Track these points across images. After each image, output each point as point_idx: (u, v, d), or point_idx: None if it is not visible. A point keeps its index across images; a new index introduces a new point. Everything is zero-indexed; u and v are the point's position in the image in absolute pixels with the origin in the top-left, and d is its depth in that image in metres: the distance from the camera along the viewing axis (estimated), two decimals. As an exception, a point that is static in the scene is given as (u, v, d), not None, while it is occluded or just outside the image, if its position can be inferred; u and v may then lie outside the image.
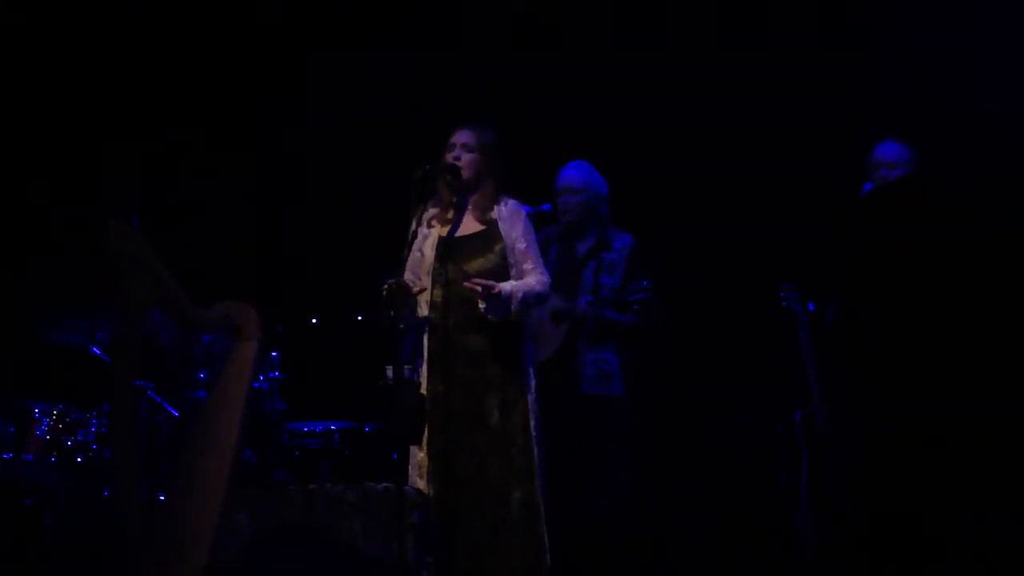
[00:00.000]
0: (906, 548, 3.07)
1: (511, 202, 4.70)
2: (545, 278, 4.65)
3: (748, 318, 5.96)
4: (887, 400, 3.12)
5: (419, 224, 4.53)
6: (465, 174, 4.62)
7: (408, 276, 4.56)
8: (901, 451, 3.08)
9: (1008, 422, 2.98)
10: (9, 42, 6.45)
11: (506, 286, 4.48)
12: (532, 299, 4.58)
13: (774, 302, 5.22)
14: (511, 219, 4.65)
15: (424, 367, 4.49)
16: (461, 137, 4.64)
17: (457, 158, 4.62)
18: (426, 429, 4.43)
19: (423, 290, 4.55)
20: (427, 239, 4.59)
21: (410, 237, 4.46)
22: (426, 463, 4.42)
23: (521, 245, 4.63)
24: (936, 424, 3.03)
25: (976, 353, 3.02)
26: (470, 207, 4.66)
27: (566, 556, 4.88)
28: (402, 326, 4.50)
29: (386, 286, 4.33)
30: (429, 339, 4.52)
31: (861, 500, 4.35)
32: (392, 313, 4.34)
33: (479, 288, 4.41)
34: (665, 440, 5.92)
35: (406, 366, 4.39)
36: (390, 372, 4.27)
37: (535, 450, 4.46)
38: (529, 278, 4.59)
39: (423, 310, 4.55)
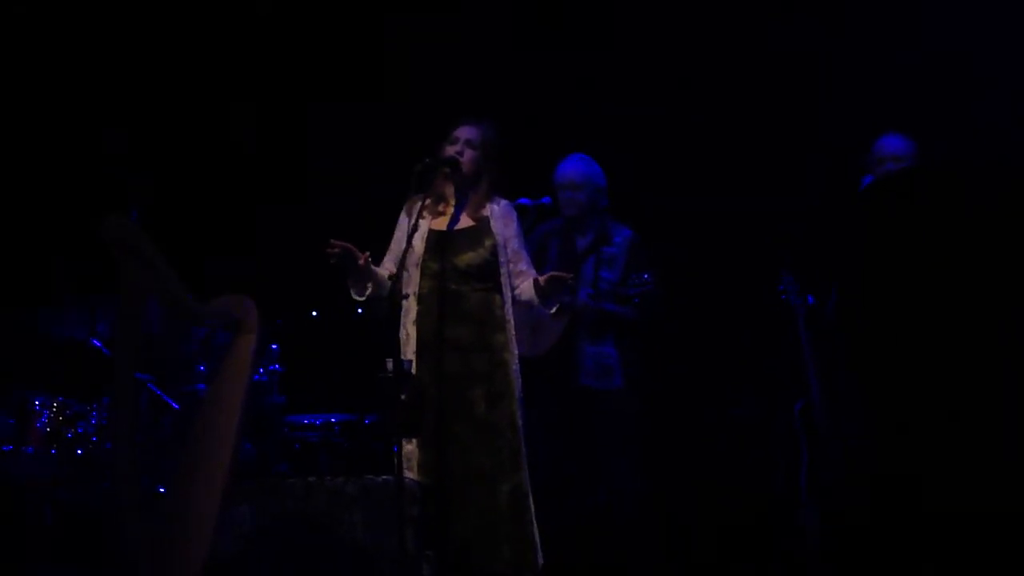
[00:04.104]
0: (907, 543, 3.07)
1: (503, 202, 4.73)
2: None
3: (747, 311, 5.96)
4: (889, 393, 3.11)
5: (415, 216, 4.52)
6: (464, 169, 4.63)
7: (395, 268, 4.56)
8: (902, 444, 3.08)
9: (1011, 414, 2.98)
10: (12, 35, 6.45)
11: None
12: None
13: (773, 295, 5.22)
14: (504, 219, 4.69)
15: (412, 359, 4.49)
16: (465, 132, 4.65)
17: (460, 152, 4.62)
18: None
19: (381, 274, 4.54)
20: (416, 232, 4.58)
21: (411, 229, 4.47)
22: (416, 454, 4.43)
23: (515, 244, 4.68)
24: (938, 417, 3.03)
25: (980, 346, 3.02)
26: (464, 202, 4.67)
27: (566, 548, 4.88)
28: (361, 297, 4.53)
29: (332, 249, 4.38)
30: (417, 331, 4.53)
31: (862, 493, 4.35)
32: (346, 279, 4.39)
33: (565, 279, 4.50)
34: (664, 433, 5.92)
35: (405, 358, 4.39)
36: (390, 364, 4.27)
37: (522, 443, 4.47)
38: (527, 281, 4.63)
39: (411, 305, 4.55)
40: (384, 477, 4.22)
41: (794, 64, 6.09)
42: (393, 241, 4.69)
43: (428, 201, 4.61)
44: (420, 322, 4.54)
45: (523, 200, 5.24)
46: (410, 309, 4.56)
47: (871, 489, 3.29)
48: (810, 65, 6.04)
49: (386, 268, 4.64)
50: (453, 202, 4.68)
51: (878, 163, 4.98)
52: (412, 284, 4.57)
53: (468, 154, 4.63)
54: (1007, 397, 2.98)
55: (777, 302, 5.20)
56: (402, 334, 4.56)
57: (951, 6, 5.81)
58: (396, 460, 4.44)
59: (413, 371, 4.43)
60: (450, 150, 4.62)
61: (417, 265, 4.58)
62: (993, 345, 3.00)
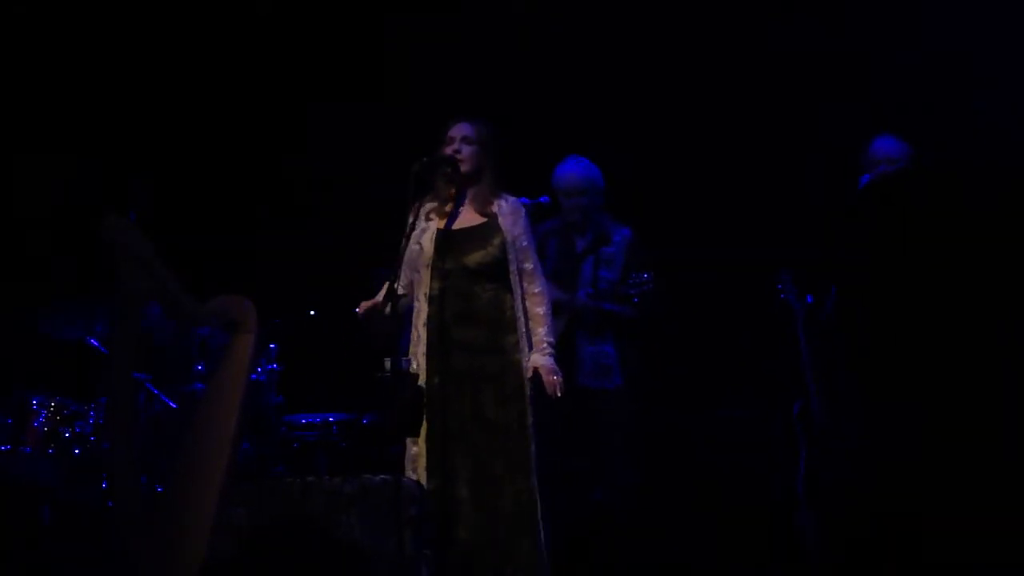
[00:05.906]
0: (906, 543, 3.07)
1: (512, 199, 4.71)
2: (542, 286, 4.66)
3: (746, 310, 5.96)
4: (889, 392, 3.11)
5: (416, 218, 4.52)
6: (464, 167, 4.62)
7: (404, 270, 4.55)
8: (902, 444, 3.08)
9: (1010, 414, 2.98)
10: (14, 34, 6.45)
11: (546, 343, 4.57)
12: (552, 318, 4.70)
13: (772, 294, 5.22)
14: (513, 216, 4.66)
15: (422, 360, 4.48)
16: (461, 130, 4.64)
17: (457, 151, 4.61)
18: (423, 422, 4.44)
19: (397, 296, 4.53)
20: (425, 232, 4.58)
21: (408, 230, 4.46)
22: (423, 456, 4.41)
23: (523, 243, 4.65)
24: (938, 416, 3.03)
25: (979, 346, 3.02)
26: (469, 200, 4.66)
27: (566, 548, 4.88)
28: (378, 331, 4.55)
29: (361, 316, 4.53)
30: (427, 332, 4.51)
31: (861, 493, 4.35)
32: (376, 329, 4.42)
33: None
34: (663, 432, 5.92)
35: (404, 358, 4.38)
36: (388, 364, 4.27)
37: (532, 444, 4.45)
38: (537, 304, 4.61)
39: (421, 306, 4.55)
40: (382, 477, 4.20)
41: (794, 64, 6.08)
42: (404, 244, 4.65)
43: (434, 203, 4.61)
44: (431, 323, 4.53)
45: (522, 199, 5.23)
46: (421, 310, 4.54)
47: (870, 489, 3.28)
48: (810, 65, 6.04)
49: (406, 277, 4.59)
50: (457, 201, 4.67)
51: (872, 165, 4.98)
52: (423, 285, 4.56)
53: (466, 151, 4.61)
54: (1007, 397, 2.98)
55: (776, 302, 5.20)
56: (412, 335, 4.56)
57: (951, 6, 5.81)
58: (401, 459, 4.46)
59: (423, 372, 4.44)
60: (448, 149, 4.61)
61: (427, 266, 4.56)
62: (992, 345, 3.00)
